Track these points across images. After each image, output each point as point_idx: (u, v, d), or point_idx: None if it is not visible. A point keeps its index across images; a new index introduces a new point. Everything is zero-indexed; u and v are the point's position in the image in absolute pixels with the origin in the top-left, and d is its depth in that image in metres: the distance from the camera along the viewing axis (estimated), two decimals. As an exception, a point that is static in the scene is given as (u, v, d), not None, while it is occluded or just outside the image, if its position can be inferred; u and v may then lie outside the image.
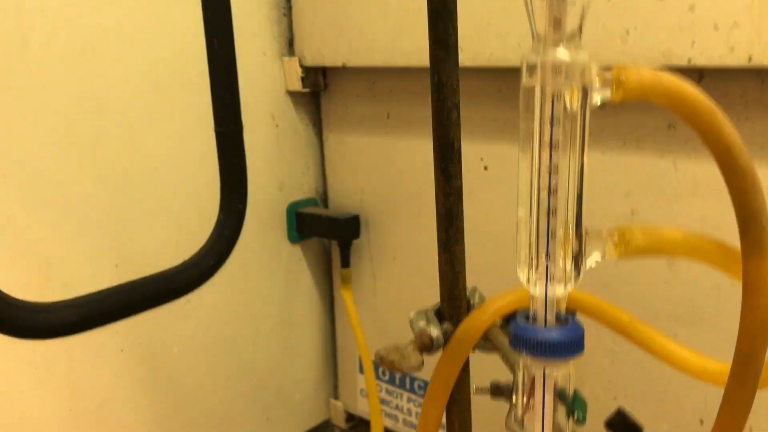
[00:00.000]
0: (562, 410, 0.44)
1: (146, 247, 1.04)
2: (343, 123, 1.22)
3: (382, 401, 1.26)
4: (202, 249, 0.98)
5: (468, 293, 0.59)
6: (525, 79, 0.41)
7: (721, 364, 0.57)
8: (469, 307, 0.59)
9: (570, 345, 0.41)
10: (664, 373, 0.85)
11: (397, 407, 1.26)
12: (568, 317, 0.43)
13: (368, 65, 1.10)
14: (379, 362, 0.54)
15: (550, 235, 0.41)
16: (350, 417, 1.35)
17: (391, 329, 1.24)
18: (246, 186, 0.98)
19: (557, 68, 0.39)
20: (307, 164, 1.25)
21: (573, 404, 0.43)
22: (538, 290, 0.42)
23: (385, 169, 1.17)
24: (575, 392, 0.43)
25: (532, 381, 0.44)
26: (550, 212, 0.41)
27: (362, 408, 1.32)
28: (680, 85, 0.41)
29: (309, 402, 1.33)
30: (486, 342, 0.58)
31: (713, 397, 0.45)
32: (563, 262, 0.41)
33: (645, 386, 0.95)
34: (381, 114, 1.16)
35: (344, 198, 1.24)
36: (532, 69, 0.40)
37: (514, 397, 0.45)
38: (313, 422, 1.35)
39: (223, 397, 1.18)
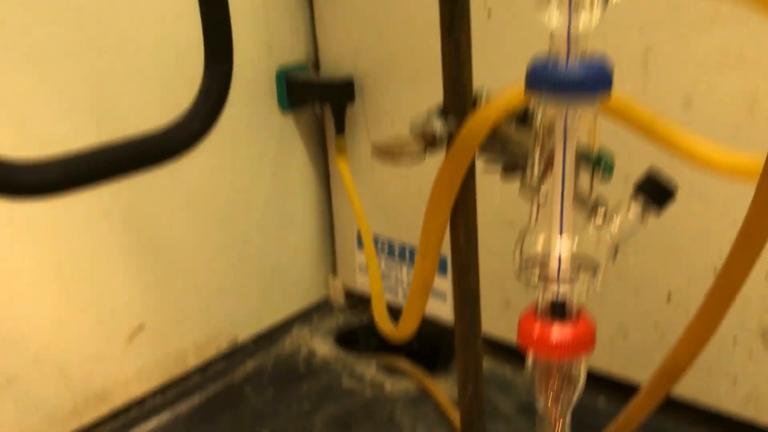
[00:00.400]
0: (585, 174, 0.38)
1: (128, 105, 0.98)
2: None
3: (381, 276, 1.22)
4: (187, 112, 0.92)
5: (475, 91, 0.53)
6: None
7: (753, 159, 0.51)
8: (476, 102, 0.53)
9: (596, 79, 0.35)
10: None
11: (396, 280, 1.22)
12: (592, 57, 0.37)
13: None
14: (376, 153, 0.48)
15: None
16: (349, 294, 1.32)
17: (390, 201, 1.18)
18: (231, 45, 0.90)
19: None
20: (296, 25, 1.17)
21: (598, 158, 0.37)
22: (559, 21, 0.36)
23: (381, 26, 1.10)
24: (600, 148, 0.38)
25: (552, 132, 0.38)
26: None
27: (361, 284, 1.28)
28: None
29: (307, 279, 1.30)
30: (494, 142, 0.53)
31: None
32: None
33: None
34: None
35: (337, 61, 1.16)
36: None
37: (529, 161, 0.40)
38: (312, 300, 1.31)
39: (217, 270, 1.14)
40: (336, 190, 1.26)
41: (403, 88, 1.10)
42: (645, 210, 0.39)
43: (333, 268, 1.32)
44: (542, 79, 0.36)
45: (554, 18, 0.36)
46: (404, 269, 1.20)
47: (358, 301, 1.31)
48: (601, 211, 0.38)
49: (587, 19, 0.36)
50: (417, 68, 1.08)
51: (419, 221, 1.16)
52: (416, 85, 1.08)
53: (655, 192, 0.38)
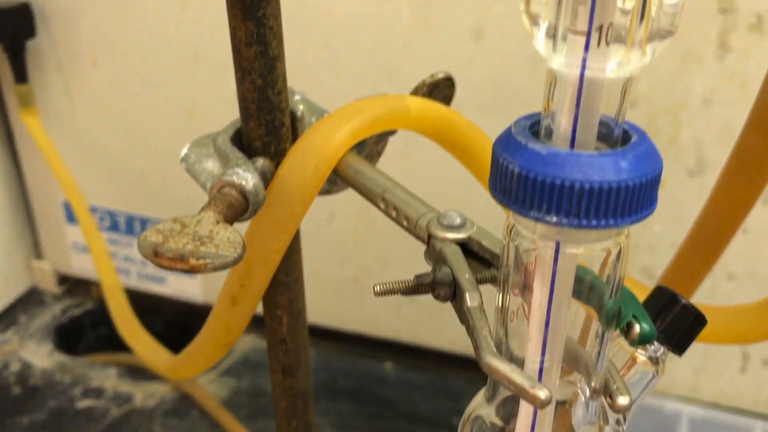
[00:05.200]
0: (593, 319, 0.21)
1: None
2: None
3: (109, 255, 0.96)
4: None
5: (291, 102, 0.32)
6: None
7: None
8: (295, 128, 0.32)
9: (644, 193, 0.18)
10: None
11: (127, 259, 0.97)
12: (626, 128, 0.19)
13: None
14: (155, 258, 0.26)
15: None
16: (64, 279, 1.03)
17: (105, 161, 0.91)
18: None
19: None
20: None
21: (619, 307, 0.20)
22: (567, 60, 0.17)
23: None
24: (624, 288, 0.21)
25: (531, 269, 0.20)
26: None
27: (79, 266, 1.00)
28: None
29: (1, 268, 0.98)
30: (335, 185, 0.33)
31: None
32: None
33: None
34: None
35: (1, -24, 0.82)
36: None
37: (495, 293, 0.21)
38: (12, 294, 1.01)
39: None
40: (26, 152, 0.94)
41: (104, 13, 0.81)
42: (663, 356, 0.23)
43: (36, 250, 1.02)
44: (542, 189, 0.17)
45: (560, 53, 0.17)
46: (135, 244, 0.95)
47: (77, 284, 1.04)
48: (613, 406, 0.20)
49: (636, 61, 0.17)
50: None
51: (147, 186, 0.91)
52: (122, 7, 0.80)
53: (683, 330, 0.22)
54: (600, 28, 0.17)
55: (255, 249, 0.31)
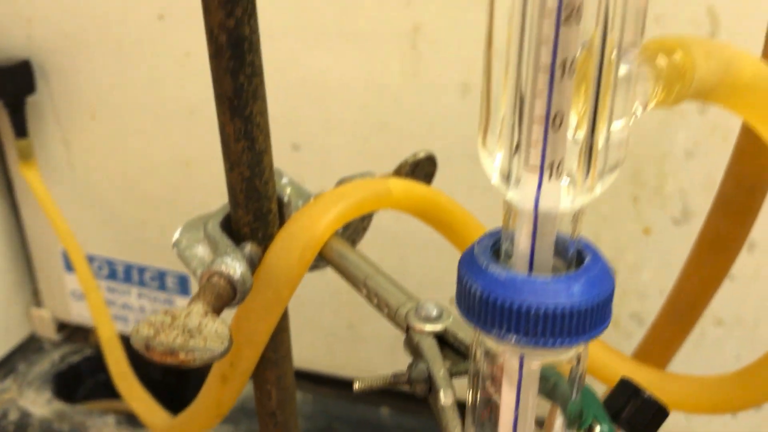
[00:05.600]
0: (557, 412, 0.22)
1: None
2: None
3: (106, 302, 0.97)
4: None
5: (278, 186, 0.34)
6: None
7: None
8: (282, 213, 0.34)
9: (596, 314, 0.19)
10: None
11: (125, 306, 0.98)
12: (580, 248, 0.20)
13: None
14: (147, 351, 0.27)
15: (559, 66, 0.17)
16: (62, 326, 1.04)
17: (103, 211, 0.92)
18: None
19: None
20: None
21: (581, 409, 0.21)
22: (522, 195, 0.19)
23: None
24: (585, 389, 0.22)
25: (498, 373, 0.21)
26: (563, 8, 0.17)
27: (78, 313, 1.01)
28: None
29: (1, 316, 0.99)
30: (322, 261, 0.34)
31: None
32: (593, 130, 0.18)
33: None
34: None
35: (2, 36, 0.85)
36: None
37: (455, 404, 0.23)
38: (12, 341, 1.02)
39: None
40: (26, 203, 0.95)
41: (102, 67, 0.83)
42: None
43: (36, 297, 1.03)
44: (493, 311, 0.19)
45: (514, 188, 0.19)
46: (133, 292, 0.96)
47: (76, 331, 1.05)
48: None
49: (581, 198, 0.19)
50: (118, 39, 0.81)
51: (144, 235, 0.93)
52: (119, 61, 0.82)
53: (647, 421, 0.24)
54: (551, 165, 0.18)
55: (243, 330, 0.33)
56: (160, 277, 0.94)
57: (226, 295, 0.30)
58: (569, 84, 0.17)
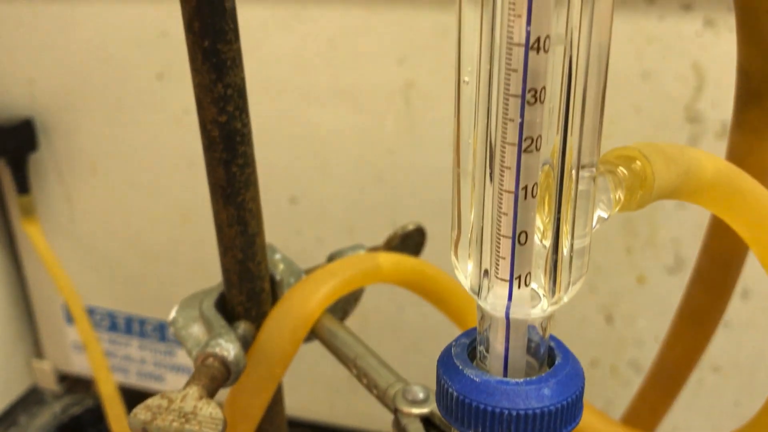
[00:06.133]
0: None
1: None
2: (-17, -16, 0.83)
3: (107, 354, 0.98)
4: None
5: (270, 265, 0.35)
6: None
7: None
8: (275, 291, 0.35)
9: (565, 415, 0.20)
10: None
11: (126, 358, 0.99)
12: (552, 351, 0.21)
13: None
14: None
15: (522, 190, 0.18)
16: (63, 377, 1.05)
17: (103, 264, 0.94)
18: None
19: None
20: (-65, 49, 0.84)
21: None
22: (494, 304, 0.20)
23: (61, 46, 0.83)
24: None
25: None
26: (523, 139, 0.18)
27: (79, 364, 1.02)
28: None
29: (1, 369, 1.00)
30: (312, 337, 0.35)
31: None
32: (557, 242, 0.19)
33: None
34: (42, -32, 0.80)
35: (5, 95, 0.87)
36: None
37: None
38: (13, 394, 1.02)
39: None
40: (27, 257, 0.97)
41: (102, 124, 0.85)
42: None
43: (37, 349, 1.04)
44: (468, 413, 0.20)
45: (485, 297, 0.20)
46: (134, 343, 0.97)
47: (77, 382, 1.05)
48: None
49: (546, 306, 0.20)
50: (117, 97, 0.83)
51: (145, 287, 0.94)
52: (118, 118, 0.84)
53: None
54: (520, 277, 0.19)
55: (238, 406, 0.34)
56: (161, 329, 0.95)
57: (221, 377, 0.31)
58: (533, 204, 0.19)
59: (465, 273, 0.20)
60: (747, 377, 0.77)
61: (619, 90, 0.68)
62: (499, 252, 0.19)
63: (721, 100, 0.66)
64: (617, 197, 0.21)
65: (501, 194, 0.18)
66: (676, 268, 0.74)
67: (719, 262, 0.32)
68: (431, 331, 0.82)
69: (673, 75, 0.67)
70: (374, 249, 0.39)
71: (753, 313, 0.73)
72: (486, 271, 0.20)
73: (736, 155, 0.29)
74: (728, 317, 0.66)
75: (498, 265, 0.19)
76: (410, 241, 0.40)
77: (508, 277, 0.19)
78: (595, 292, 0.77)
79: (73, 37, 0.82)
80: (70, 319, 0.98)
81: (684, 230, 0.72)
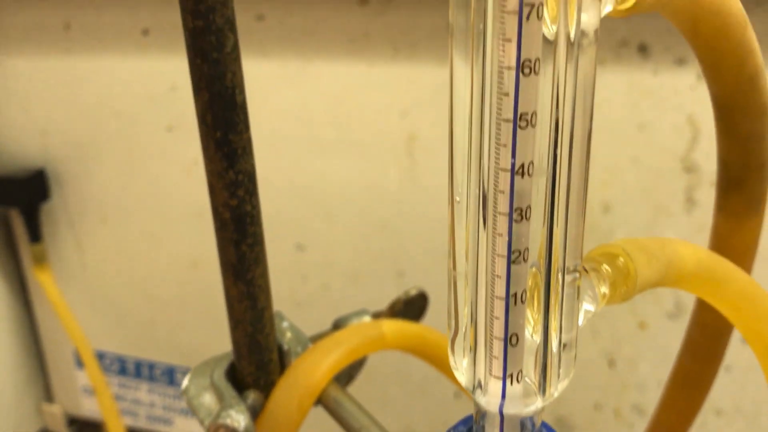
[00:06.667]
0: None
1: None
2: (1, 38, 0.85)
3: (117, 397, 0.99)
4: None
5: (277, 333, 0.36)
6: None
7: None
8: (282, 360, 0.36)
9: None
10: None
11: (136, 401, 1.00)
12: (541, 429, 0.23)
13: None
14: None
15: (512, 297, 0.20)
16: (73, 421, 1.06)
17: (114, 311, 0.95)
18: None
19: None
20: (-48, 104, 0.87)
21: None
22: (488, 401, 0.21)
23: (73, 100, 0.85)
24: None
25: None
26: (512, 252, 0.20)
27: (89, 408, 1.03)
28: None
29: (12, 413, 1.01)
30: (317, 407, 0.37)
31: None
32: (546, 340, 0.21)
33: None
34: (56, 24, 0.82)
35: (19, 147, 0.89)
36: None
37: None
38: (24, 437, 1.03)
39: None
40: (39, 304, 0.98)
41: (112, 174, 0.87)
42: None
43: (47, 393, 1.05)
44: None
45: (481, 394, 0.21)
46: (143, 387, 0.98)
47: (86, 426, 1.06)
48: None
49: (539, 403, 0.21)
50: (127, 148, 0.86)
51: (154, 332, 0.95)
52: (128, 168, 0.86)
53: None
54: (512, 375, 0.21)
55: (248, 472, 0.35)
56: (169, 373, 0.96)
57: (231, 445, 0.32)
58: (522, 309, 0.20)
59: (461, 369, 0.22)
60: (750, 421, 0.78)
61: (616, 141, 0.70)
62: (492, 352, 0.21)
63: (715, 150, 0.68)
64: (602, 293, 0.23)
65: (493, 300, 0.20)
66: (676, 314, 0.75)
67: (708, 333, 0.33)
68: (436, 376, 0.83)
69: (669, 126, 0.68)
70: (378, 314, 0.41)
71: (754, 356, 0.74)
72: (480, 369, 0.21)
73: (720, 236, 0.30)
74: (730, 361, 0.67)
75: (492, 364, 0.21)
76: (413, 306, 0.41)
77: (501, 375, 0.21)
78: (597, 337, 0.78)
79: (85, 91, 0.84)
80: (80, 363, 0.99)
81: (683, 276, 0.73)
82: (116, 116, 0.84)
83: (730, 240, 0.30)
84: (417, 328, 0.39)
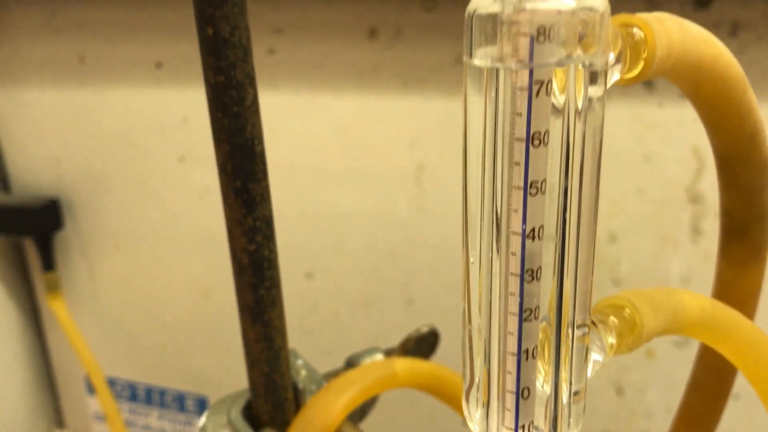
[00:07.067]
0: None
1: None
2: (16, 72, 0.87)
3: (127, 423, 1.00)
4: None
5: (292, 371, 0.37)
6: (476, 57, 0.19)
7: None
8: (297, 399, 0.37)
9: None
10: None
11: (146, 428, 1.00)
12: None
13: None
14: None
15: (524, 353, 0.21)
16: (84, 447, 1.07)
17: (125, 338, 0.96)
18: None
19: (543, 29, 0.18)
20: (-32, 135, 0.89)
21: None
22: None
23: (87, 131, 0.87)
24: None
25: None
26: (524, 310, 0.21)
27: (99, 434, 1.04)
28: (716, 51, 0.22)
29: (23, 440, 1.02)
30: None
31: None
32: (556, 391, 0.22)
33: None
34: (71, 57, 0.84)
35: (34, 176, 0.91)
36: (488, 30, 0.19)
37: None
38: (34, 464, 1.04)
39: None
40: (52, 331, 1.00)
41: (125, 202, 0.89)
42: None
43: (59, 419, 1.06)
44: None
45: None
46: (154, 413, 0.99)
47: (97, 452, 1.07)
48: None
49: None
50: (140, 177, 0.87)
51: (164, 359, 0.96)
52: (140, 196, 0.88)
53: None
54: (524, 426, 0.22)
55: None
56: (180, 399, 0.97)
57: (248, 487, 0.33)
58: (533, 364, 0.21)
59: (475, 420, 0.23)
60: (759, 449, 0.78)
61: (622, 173, 0.71)
62: (505, 405, 0.21)
63: (721, 181, 0.69)
64: (610, 343, 0.24)
65: (505, 355, 0.21)
66: (683, 343, 0.75)
67: (713, 373, 0.34)
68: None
69: (674, 158, 0.69)
70: (390, 351, 0.42)
71: (761, 385, 0.75)
72: (493, 419, 0.22)
73: (723, 282, 0.31)
74: (738, 390, 0.68)
75: (504, 416, 0.22)
76: (424, 343, 0.42)
77: (513, 427, 0.22)
78: (605, 365, 0.78)
79: (99, 122, 0.86)
80: (91, 389, 1.00)
81: (690, 305, 0.74)
82: (129, 147, 0.86)
83: (734, 286, 0.31)
84: (429, 366, 0.40)
